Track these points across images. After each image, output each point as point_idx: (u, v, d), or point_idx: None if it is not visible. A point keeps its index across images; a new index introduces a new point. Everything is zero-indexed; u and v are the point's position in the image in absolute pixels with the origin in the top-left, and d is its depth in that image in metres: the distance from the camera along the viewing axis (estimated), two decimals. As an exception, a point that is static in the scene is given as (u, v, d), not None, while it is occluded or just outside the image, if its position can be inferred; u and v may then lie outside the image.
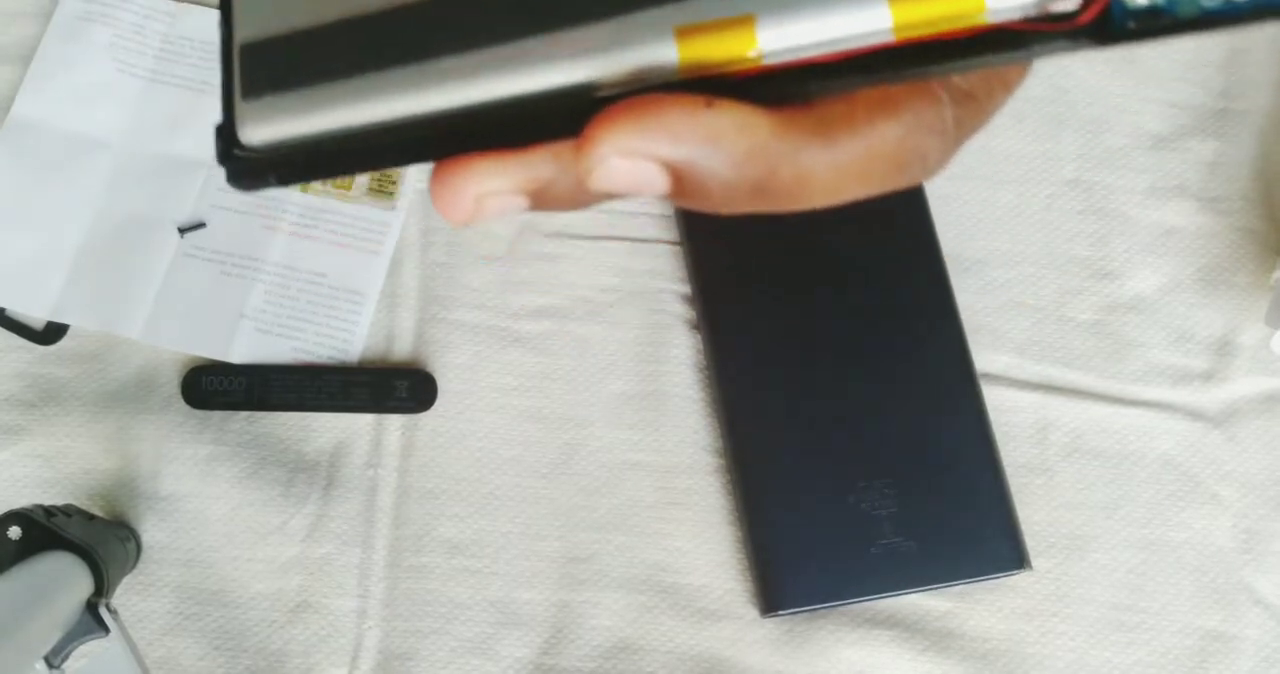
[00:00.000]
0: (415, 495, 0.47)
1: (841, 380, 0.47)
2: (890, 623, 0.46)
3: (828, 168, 0.16)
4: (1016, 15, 0.15)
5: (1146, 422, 0.48)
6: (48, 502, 0.43)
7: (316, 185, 0.50)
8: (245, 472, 0.47)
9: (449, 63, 0.17)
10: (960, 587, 0.45)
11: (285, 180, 0.19)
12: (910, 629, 0.46)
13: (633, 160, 0.16)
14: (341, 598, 0.46)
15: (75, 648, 0.38)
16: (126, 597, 0.46)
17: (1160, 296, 0.50)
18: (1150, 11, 0.14)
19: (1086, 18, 0.15)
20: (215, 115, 0.53)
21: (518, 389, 0.48)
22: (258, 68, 0.19)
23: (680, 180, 0.16)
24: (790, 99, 0.16)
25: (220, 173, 0.50)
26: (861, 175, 0.17)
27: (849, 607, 0.46)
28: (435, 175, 0.18)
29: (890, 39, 0.15)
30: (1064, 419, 0.48)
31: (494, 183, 0.17)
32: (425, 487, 0.47)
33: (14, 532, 0.39)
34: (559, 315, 0.49)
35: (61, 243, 0.49)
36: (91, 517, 0.44)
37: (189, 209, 0.50)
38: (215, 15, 0.52)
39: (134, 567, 0.46)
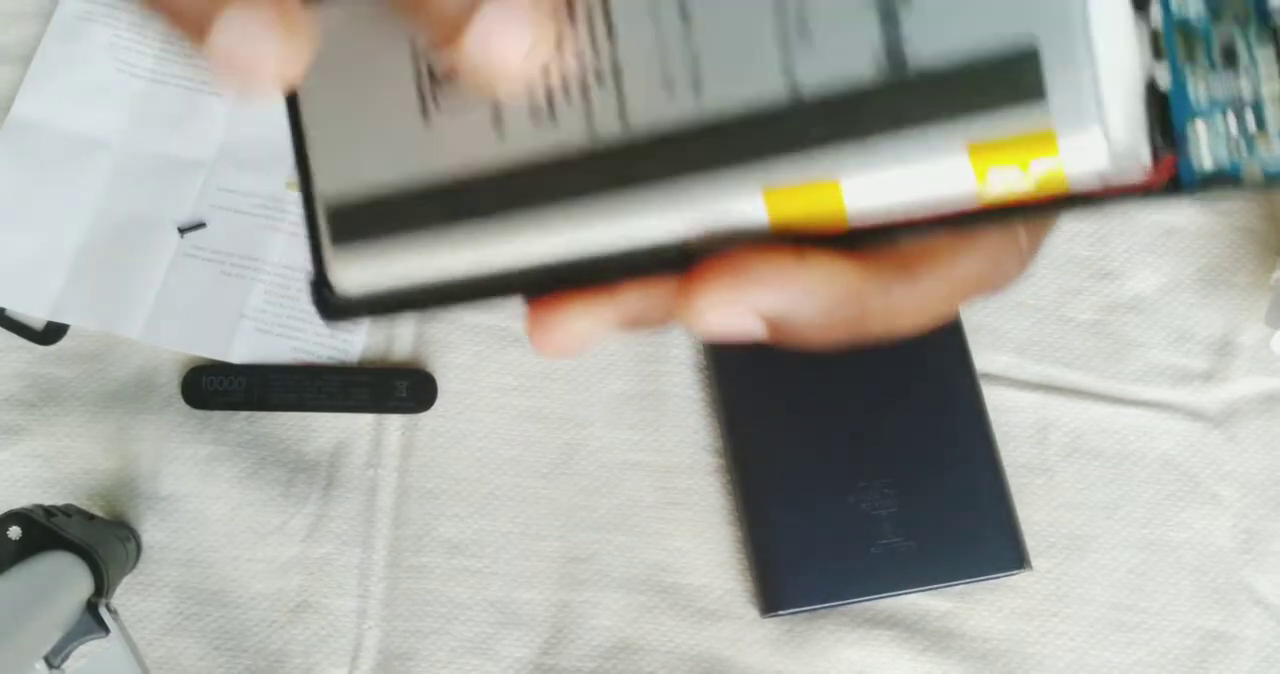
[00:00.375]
0: (415, 495, 0.47)
1: (841, 380, 0.47)
2: (890, 623, 0.46)
3: (914, 301, 0.18)
4: (1096, 185, 0.15)
5: (1146, 422, 0.48)
6: (48, 502, 0.43)
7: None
8: (245, 472, 0.47)
9: (540, 217, 0.18)
10: (960, 587, 0.45)
11: (378, 313, 0.20)
12: (910, 629, 0.46)
13: (731, 314, 0.17)
14: (341, 598, 0.46)
15: (75, 648, 0.38)
16: (126, 597, 0.46)
17: (1160, 296, 0.50)
18: (1217, 175, 0.15)
19: (1157, 182, 0.15)
20: (215, 115, 0.53)
21: (518, 389, 0.48)
22: (346, 222, 0.19)
23: (776, 326, 0.17)
24: (876, 247, 0.17)
25: (220, 172, 0.50)
26: (946, 301, 0.18)
27: (849, 607, 0.46)
28: (531, 317, 0.18)
29: (975, 204, 0.16)
30: (1064, 419, 0.48)
31: (588, 323, 0.18)
32: (425, 487, 0.47)
33: (14, 532, 0.39)
34: (559, 315, 0.49)
35: (61, 243, 0.49)
36: (91, 517, 0.44)
37: (189, 209, 0.50)
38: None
39: (134, 567, 0.46)
